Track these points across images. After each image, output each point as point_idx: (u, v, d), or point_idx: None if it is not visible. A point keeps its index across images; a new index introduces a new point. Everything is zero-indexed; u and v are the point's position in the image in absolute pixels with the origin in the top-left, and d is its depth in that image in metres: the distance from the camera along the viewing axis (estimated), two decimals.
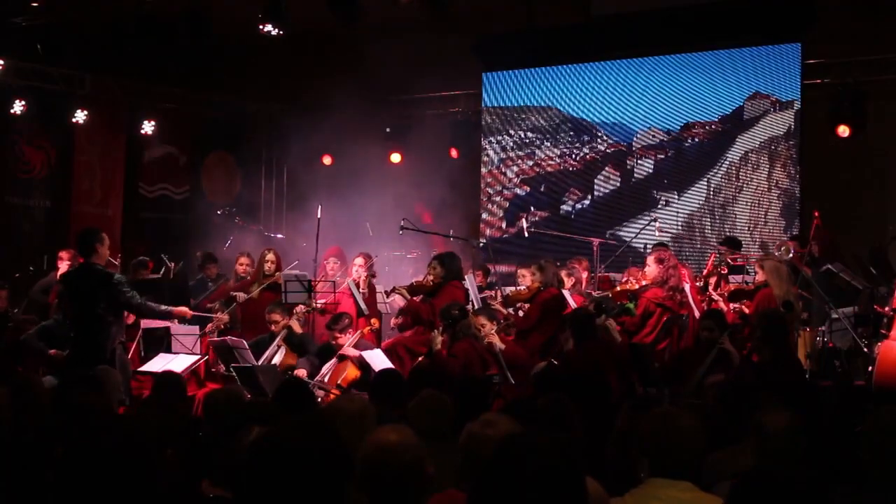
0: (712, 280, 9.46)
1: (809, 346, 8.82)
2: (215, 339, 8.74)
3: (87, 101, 12.88)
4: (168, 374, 6.73)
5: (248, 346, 8.35)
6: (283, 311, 8.88)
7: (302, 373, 8.25)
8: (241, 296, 9.42)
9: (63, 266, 10.05)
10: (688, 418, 3.41)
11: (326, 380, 8.15)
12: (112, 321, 7.51)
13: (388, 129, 13.44)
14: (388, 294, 9.59)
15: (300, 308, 9.00)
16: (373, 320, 9.27)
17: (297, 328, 8.78)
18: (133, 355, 8.68)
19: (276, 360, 8.56)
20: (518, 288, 9.37)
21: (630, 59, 12.56)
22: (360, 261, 9.69)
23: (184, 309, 8.08)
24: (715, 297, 9.01)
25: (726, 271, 9.67)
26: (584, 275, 9.93)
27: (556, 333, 8.48)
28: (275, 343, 8.67)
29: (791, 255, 9.32)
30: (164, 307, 7.90)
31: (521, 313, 9.13)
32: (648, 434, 3.37)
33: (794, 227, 11.44)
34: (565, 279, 9.29)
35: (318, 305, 9.25)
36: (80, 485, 2.93)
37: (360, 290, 9.42)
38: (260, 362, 8.40)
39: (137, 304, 7.63)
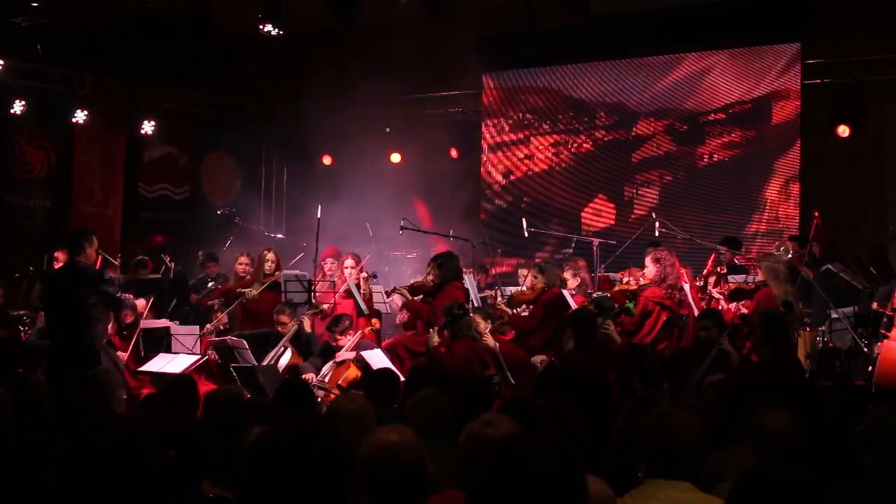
0: (711, 280, 9.46)
1: (809, 346, 8.82)
2: (215, 339, 8.74)
3: (87, 101, 12.88)
4: (183, 376, 6.73)
5: (247, 346, 8.35)
6: (292, 312, 8.87)
7: (310, 377, 8.24)
8: (250, 292, 9.45)
9: (59, 266, 10.04)
10: (685, 418, 3.40)
11: (326, 380, 8.14)
12: (99, 319, 7.54)
13: (388, 129, 13.43)
14: (388, 294, 9.59)
15: (308, 312, 9.02)
16: (373, 320, 9.27)
17: (308, 327, 8.77)
18: (133, 355, 8.69)
19: (284, 361, 8.54)
20: (522, 288, 9.36)
21: (630, 59, 12.57)
22: (350, 262, 9.67)
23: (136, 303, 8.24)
24: (715, 294, 9.01)
25: (725, 271, 9.67)
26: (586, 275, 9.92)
27: (557, 333, 8.48)
28: (281, 344, 8.65)
29: (790, 255, 9.32)
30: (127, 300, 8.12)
31: (522, 312, 9.13)
32: (645, 434, 3.36)
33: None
34: (570, 279, 9.27)
35: (325, 307, 9.23)
36: (80, 484, 2.93)
37: (361, 291, 9.42)
38: (265, 362, 8.40)
39: (117, 301, 7.91)
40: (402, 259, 12.47)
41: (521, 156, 13.30)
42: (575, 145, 12.98)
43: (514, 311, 9.03)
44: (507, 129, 13.39)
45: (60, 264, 10.03)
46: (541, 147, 13.18)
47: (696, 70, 12.23)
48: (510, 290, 9.79)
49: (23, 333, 9.72)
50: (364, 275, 9.51)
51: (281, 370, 8.38)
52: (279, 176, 15.33)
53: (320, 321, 9.21)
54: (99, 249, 8.19)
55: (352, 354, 8.20)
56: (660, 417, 3.41)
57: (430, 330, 7.91)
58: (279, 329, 8.77)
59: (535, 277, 9.01)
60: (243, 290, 9.50)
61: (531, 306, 8.97)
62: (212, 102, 14.68)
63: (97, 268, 8.09)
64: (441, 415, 4.37)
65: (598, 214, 12.67)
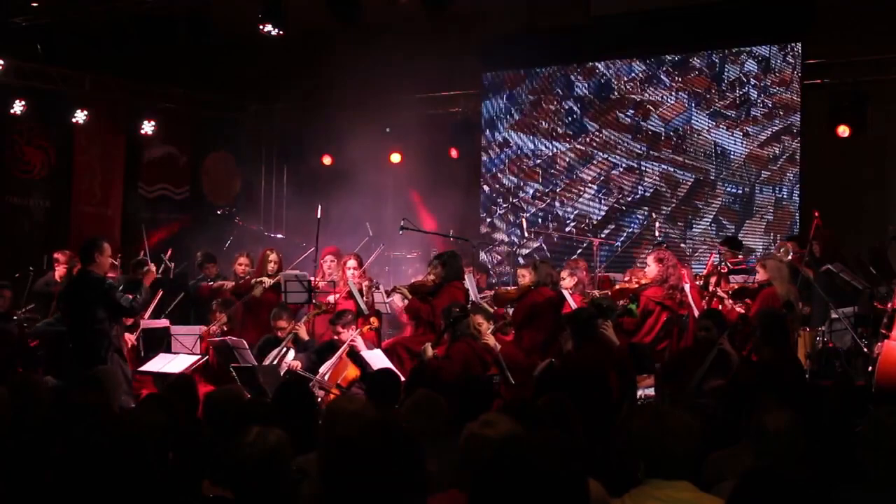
0: (713, 279, 9.46)
1: (809, 346, 8.82)
2: (215, 339, 8.74)
3: (87, 101, 12.87)
4: (182, 376, 6.73)
5: (247, 346, 8.35)
6: (290, 316, 8.86)
7: (296, 364, 8.26)
8: (258, 287, 9.47)
9: (59, 268, 10.03)
10: (679, 418, 3.37)
11: (326, 379, 8.14)
12: (108, 328, 7.50)
13: (388, 129, 13.43)
14: (388, 294, 9.59)
15: (309, 311, 9.01)
16: (372, 319, 9.26)
17: (304, 335, 8.75)
18: (133, 355, 8.69)
19: (287, 360, 8.52)
20: (508, 287, 9.39)
21: (630, 58, 12.57)
22: (352, 263, 9.68)
23: (149, 273, 8.11)
24: (720, 293, 9.02)
25: (727, 270, 9.67)
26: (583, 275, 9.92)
27: (555, 333, 8.47)
28: (283, 344, 8.63)
29: (791, 256, 9.32)
30: (141, 295, 7.95)
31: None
32: (640, 434, 3.34)
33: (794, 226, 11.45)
34: (568, 279, 9.27)
35: (325, 306, 9.22)
36: (80, 484, 2.93)
37: (364, 297, 9.41)
38: (267, 362, 8.40)
39: (129, 307, 7.74)
40: (402, 259, 12.47)
41: (521, 156, 13.30)
42: (574, 146, 12.96)
43: (504, 308, 9.06)
44: (506, 129, 13.40)
45: (60, 266, 10.04)
46: (540, 147, 13.18)
47: (696, 70, 12.23)
48: (505, 288, 9.81)
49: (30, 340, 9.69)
50: (367, 283, 9.52)
51: (283, 369, 8.38)
52: (279, 176, 15.32)
53: (320, 319, 9.20)
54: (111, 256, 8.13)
55: (362, 346, 8.18)
56: (651, 417, 3.40)
57: (427, 344, 7.88)
58: (278, 335, 8.75)
59: (531, 274, 9.03)
60: (255, 282, 9.52)
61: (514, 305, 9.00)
62: (212, 102, 14.68)
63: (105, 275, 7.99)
64: (436, 414, 4.37)
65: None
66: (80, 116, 12.72)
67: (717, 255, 10.29)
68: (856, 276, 9.37)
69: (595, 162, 12.78)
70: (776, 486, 2.53)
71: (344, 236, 11.25)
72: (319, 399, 7.28)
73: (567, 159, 12.95)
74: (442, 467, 3.23)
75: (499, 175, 13.45)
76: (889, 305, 8.33)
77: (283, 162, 15.16)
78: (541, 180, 13.07)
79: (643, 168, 12.47)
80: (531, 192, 13.11)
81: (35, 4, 11.52)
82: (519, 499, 2.27)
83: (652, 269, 8.87)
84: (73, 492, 2.97)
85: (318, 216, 9.89)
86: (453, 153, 13.25)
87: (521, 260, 12.22)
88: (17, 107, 12.17)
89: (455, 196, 12.75)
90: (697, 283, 9.43)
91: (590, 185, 12.74)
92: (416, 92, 13.38)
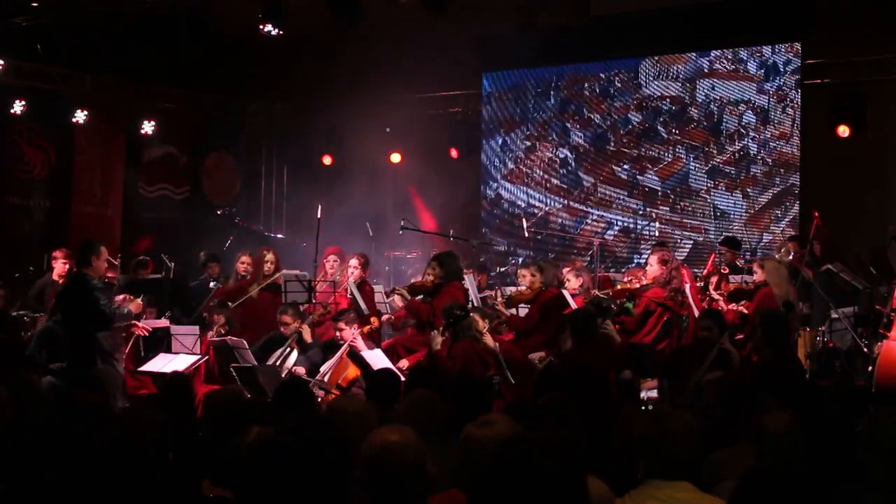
0: (713, 280, 9.45)
1: (809, 346, 8.82)
2: (215, 339, 8.73)
3: (87, 101, 12.88)
4: (176, 375, 6.73)
5: (247, 346, 8.34)
6: (295, 313, 8.85)
7: (301, 370, 8.26)
8: (247, 294, 9.44)
9: (58, 266, 10.04)
10: (679, 418, 3.38)
11: (326, 380, 8.14)
12: (95, 336, 7.49)
13: (388, 129, 13.43)
14: (388, 295, 9.58)
15: (315, 311, 8.99)
16: (373, 319, 9.26)
17: (308, 337, 8.73)
18: (133, 355, 8.68)
19: (290, 362, 8.51)
20: (520, 288, 9.36)
21: (630, 59, 12.57)
22: (354, 262, 9.67)
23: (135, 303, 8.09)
24: (715, 296, 9.01)
25: (727, 271, 9.67)
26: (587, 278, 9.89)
27: (556, 333, 8.47)
28: (287, 344, 8.62)
29: (791, 256, 9.32)
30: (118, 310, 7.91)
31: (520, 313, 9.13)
32: (640, 435, 3.34)
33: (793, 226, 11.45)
34: (573, 280, 9.24)
35: (330, 309, 9.19)
36: (80, 484, 2.93)
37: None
38: (271, 362, 8.40)
39: (109, 315, 7.67)
40: (402, 259, 12.48)
41: (521, 156, 13.30)
42: (574, 146, 12.95)
43: (511, 311, 9.03)
44: (506, 128, 13.39)
45: (58, 263, 10.04)
46: (540, 147, 13.18)
47: (696, 70, 12.23)
48: (510, 290, 9.78)
49: (24, 335, 9.71)
50: (357, 274, 9.51)
51: (285, 372, 8.36)
52: (279, 176, 15.33)
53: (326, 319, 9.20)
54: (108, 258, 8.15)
55: (363, 346, 8.16)
56: (657, 417, 3.40)
57: (434, 331, 7.88)
58: (282, 329, 8.76)
59: (534, 276, 9.00)
60: (233, 298, 9.47)
61: (529, 306, 8.96)
62: (212, 102, 14.68)
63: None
64: (433, 415, 4.36)
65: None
66: (80, 116, 12.72)
67: (717, 255, 10.29)
68: (856, 276, 9.37)
69: (589, 220, 12.66)
70: (776, 486, 2.53)
71: (344, 236, 11.25)
72: (319, 399, 7.28)
73: (560, 219, 12.86)
74: (442, 467, 3.23)
75: (488, 233, 13.29)
76: (888, 308, 8.34)
77: (283, 162, 15.17)
78: (532, 245, 12.84)
79: (639, 229, 12.36)
80: (524, 255, 12.71)
81: (35, 4, 11.51)
82: (519, 499, 2.27)
83: (654, 269, 8.84)
84: (74, 492, 2.97)
85: (318, 216, 9.88)
86: (453, 153, 13.26)
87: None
88: (17, 107, 12.17)
89: (455, 196, 12.75)
90: (698, 283, 9.42)
91: (583, 251, 12.48)
92: (416, 92, 13.38)
